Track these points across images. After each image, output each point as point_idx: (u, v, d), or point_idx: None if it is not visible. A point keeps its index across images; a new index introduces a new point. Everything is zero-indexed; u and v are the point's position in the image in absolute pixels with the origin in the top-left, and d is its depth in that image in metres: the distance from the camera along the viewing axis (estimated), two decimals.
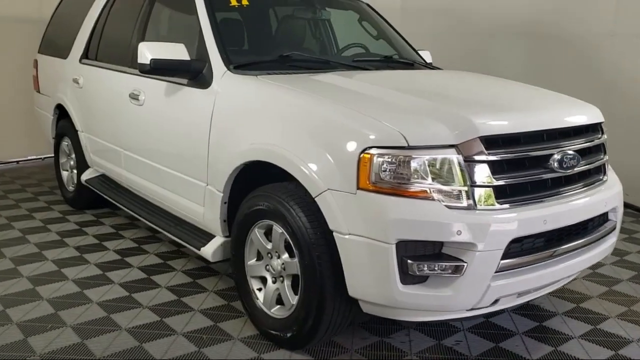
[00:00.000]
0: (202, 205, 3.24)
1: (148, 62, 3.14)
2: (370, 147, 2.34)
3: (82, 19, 4.79)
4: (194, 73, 3.22)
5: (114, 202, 4.24)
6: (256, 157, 2.78)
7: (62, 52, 4.96)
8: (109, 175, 4.44)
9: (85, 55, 4.60)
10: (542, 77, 5.29)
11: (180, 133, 3.35)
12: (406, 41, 4.24)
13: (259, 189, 2.86)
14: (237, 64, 3.16)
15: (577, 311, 3.28)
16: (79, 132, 4.64)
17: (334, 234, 2.43)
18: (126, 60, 3.96)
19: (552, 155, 2.57)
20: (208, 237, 3.27)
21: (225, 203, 3.07)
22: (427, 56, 4.31)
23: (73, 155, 4.92)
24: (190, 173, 3.31)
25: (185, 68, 3.20)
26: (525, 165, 2.51)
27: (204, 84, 3.18)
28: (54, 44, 5.27)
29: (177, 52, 3.18)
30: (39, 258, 3.86)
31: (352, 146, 2.38)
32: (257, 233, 2.85)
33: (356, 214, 2.36)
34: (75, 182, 4.90)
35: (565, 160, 2.57)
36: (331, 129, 2.49)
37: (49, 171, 6.32)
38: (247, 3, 3.52)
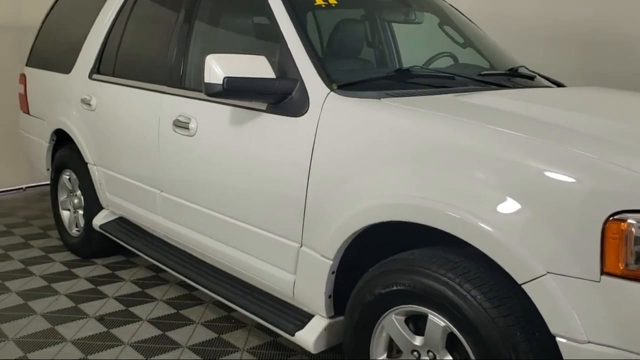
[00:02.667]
0: (293, 272, 2.40)
1: (220, 82, 2.29)
2: (623, 212, 1.55)
3: (87, 26, 3.90)
4: (280, 96, 2.39)
5: (148, 258, 3.30)
6: (400, 217, 1.95)
7: (61, 65, 4.05)
8: (133, 221, 3.53)
9: (97, 70, 3.70)
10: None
11: (256, 176, 2.50)
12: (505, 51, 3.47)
13: (394, 258, 2.05)
14: (341, 82, 2.34)
15: None
16: (89, 165, 3.72)
17: (558, 339, 1.63)
18: (163, 77, 3.09)
19: None
20: (301, 315, 2.43)
21: (333, 273, 2.25)
22: None
23: (78, 192, 4.00)
24: (272, 228, 2.47)
25: (270, 90, 2.37)
26: None
27: (295, 111, 2.35)
28: (49, 55, 4.33)
29: (259, 67, 2.35)
30: (54, 337, 2.93)
31: (590, 209, 1.59)
32: (395, 321, 2.03)
33: (601, 313, 1.56)
34: (82, 225, 3.98)
35: None
36: (543, 180, 1.69)
37: (35, 205, 5.35)
38: (335, 2, 2.71)
